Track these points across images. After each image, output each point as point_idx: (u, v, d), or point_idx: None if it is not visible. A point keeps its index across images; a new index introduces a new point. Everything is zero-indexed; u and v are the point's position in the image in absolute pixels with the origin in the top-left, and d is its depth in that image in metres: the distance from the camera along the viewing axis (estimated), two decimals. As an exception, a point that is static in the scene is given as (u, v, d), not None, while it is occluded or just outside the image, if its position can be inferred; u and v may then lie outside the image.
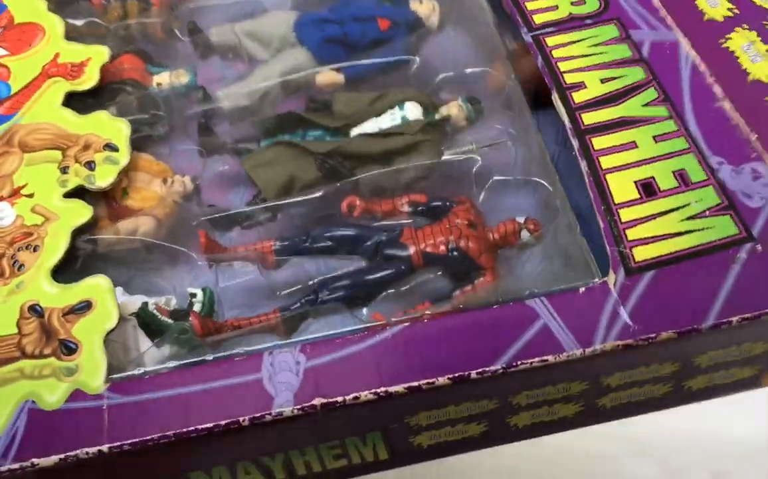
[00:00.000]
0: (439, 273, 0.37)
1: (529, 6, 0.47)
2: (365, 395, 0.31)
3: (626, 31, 0.44)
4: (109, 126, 0.43)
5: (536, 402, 0.33)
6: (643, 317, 0.32)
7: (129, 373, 0.33)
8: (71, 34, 0.49)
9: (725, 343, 0.33)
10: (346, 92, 0.47)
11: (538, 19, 0.46)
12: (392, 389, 0.31)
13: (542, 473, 0.56)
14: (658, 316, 0.32)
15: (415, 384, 0.31)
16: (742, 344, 0.33)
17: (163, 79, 0.49)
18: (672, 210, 0.35)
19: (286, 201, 0.41)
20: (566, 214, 0.38)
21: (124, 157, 0.42)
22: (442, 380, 0.31)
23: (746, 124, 0.38)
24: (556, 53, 0.44)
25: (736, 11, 0.40)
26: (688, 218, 0.35)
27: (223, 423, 0.30)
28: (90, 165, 0.41)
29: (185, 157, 0.45)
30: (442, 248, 0.37)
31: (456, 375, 0.31)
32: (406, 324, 0.33)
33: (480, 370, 0.31)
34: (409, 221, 0.40)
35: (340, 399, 0.31)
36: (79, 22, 0.52)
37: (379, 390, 0.31)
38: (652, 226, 0.35)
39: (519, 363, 0.31)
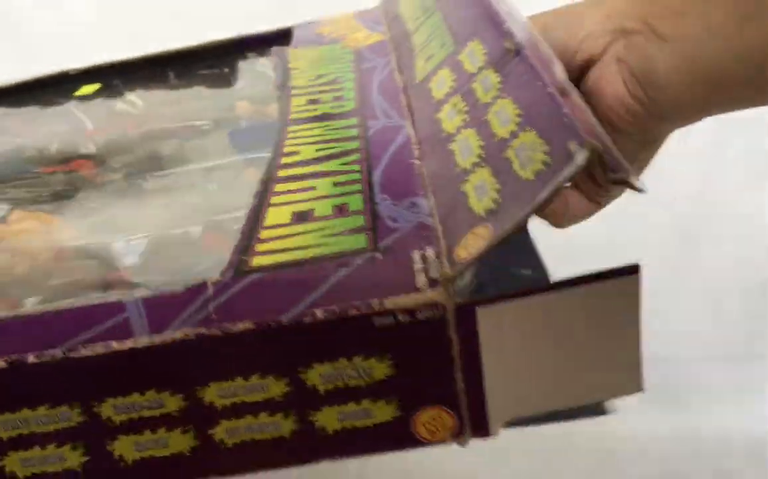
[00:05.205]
0: None
1: (294, 103, 0.50)
2: None
3: (365, 121, 0.46)
4: None
5: (131, 420, 0.30)
6: (231, 312, 0.29)
7: None
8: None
9: (328, 352, 0.30)
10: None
11: (295, 116, 0.49)
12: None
13: (541, 472, 0.55)
14: (245, 311, 0.29)
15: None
16: (353, 357, 0.30)
17: None
18: (313, 231, 0.34)
19: None
20: None
21: None
22: (-5, 363, 0.28)
23: (423, 173, 0.39)
24: (290, 136, 0.46)
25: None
26: (325, 236, 0.34)
27: None
28: None
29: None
30: None
31: (9, 358, 0.28)
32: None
33: (38, 354, 0.28)
34: None
35: None
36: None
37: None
38: (285, 242, 0.34)
39: (81, 347, 0.29)
